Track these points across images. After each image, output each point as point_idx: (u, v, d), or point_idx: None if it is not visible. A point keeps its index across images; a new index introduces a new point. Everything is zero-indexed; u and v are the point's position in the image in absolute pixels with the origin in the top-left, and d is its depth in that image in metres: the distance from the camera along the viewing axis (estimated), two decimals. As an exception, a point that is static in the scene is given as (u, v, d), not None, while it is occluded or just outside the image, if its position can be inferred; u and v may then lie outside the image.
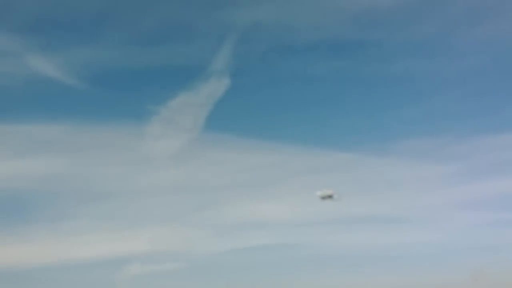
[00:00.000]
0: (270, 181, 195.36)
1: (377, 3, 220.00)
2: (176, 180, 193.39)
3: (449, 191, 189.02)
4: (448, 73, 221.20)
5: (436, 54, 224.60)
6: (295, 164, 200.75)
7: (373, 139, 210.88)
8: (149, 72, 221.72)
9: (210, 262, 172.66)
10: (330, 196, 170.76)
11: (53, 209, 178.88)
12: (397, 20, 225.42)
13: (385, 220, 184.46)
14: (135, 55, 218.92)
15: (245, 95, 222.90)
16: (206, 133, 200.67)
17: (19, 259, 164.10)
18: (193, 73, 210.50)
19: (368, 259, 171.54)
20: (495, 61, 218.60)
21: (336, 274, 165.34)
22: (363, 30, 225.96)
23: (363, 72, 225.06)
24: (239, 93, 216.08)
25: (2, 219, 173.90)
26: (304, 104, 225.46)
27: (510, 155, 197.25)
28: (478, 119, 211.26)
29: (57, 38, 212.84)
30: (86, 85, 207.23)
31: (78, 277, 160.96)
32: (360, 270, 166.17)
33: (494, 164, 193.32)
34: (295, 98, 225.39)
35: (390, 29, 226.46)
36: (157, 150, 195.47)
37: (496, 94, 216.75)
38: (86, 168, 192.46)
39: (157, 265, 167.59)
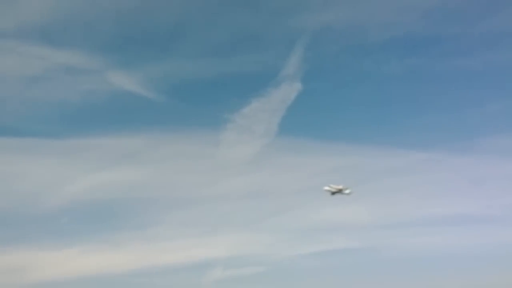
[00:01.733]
0: (347, 184, 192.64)
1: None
2: (253, 185, 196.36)
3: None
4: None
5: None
6: (372, 166, 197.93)
7: (453, 137, 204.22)
8: (222, 81, 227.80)
9: (289, 266, 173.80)
10: (340, 191, 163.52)
11: (139, 216, 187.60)
12: (472, 12, 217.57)
13: (469, 220, 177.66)
14: (209, 66, 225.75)
15: (318, 98, 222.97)
16: (280, 138, 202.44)
17: (109, 265, 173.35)
18: (265, 79, 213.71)
19: (452, 260, 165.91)
20: None
21: (419, 277, 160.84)
22: (436, 25, 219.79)
23: (440, 68, 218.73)
24: (311, 96, 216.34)
25: (91, 228, 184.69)
26: (379, 104, 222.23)
27: None
28: None
29: (135, 54, 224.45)
30: (164, 97, 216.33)
31: (163, 282, 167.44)
32: (443, 272, 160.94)
33: None
34: (369, 98, 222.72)
35: (465, 22, 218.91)
36: (233, 156, 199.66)
37: None
38: (167, 177, 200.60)
39: (238, 269, 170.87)
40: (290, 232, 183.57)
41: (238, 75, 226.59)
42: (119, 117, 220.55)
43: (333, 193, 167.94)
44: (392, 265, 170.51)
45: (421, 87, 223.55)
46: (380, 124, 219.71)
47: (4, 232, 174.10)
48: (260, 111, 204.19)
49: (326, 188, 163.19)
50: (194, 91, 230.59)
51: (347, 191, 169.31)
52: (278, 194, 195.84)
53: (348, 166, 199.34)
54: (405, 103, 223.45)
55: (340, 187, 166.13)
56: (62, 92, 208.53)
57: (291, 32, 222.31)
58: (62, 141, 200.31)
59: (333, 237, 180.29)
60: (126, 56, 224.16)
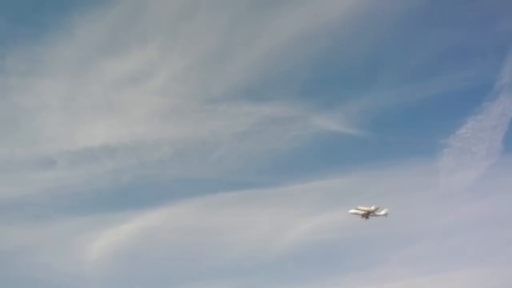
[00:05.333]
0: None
1: None
2: (482, 212, 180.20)
3: None
4: None
5: None
6: None
7: None
8: (429, 105, 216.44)
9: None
10: (370, 213, 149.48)
11: (363, 256, 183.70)
12: None
13: None
14: (411, 92, 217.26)
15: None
16: (507, 156, 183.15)
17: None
18: (478, 94, 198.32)
19: None
20: None
21: None
22: None
23: None
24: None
25: (317, 271, 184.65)
26: None
27: None
28: None
29: (333, 94, 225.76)
30: (368, 132, 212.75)
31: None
32: None
33: None
34: None
35: None
36: (454, 183, 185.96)
37: None
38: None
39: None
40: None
41: (446, 95, 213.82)
42: (327, 159, 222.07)
43: (365, 216, 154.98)
44: None
45: None
46: None
47: (239, 280, 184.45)
48: (479, 130, 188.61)
49: (352, 211, 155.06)
50: (399, 121, 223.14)
51: (382, 212, 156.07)
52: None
53: None
54: None
55: (372, 208, 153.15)
56: (271, 142, 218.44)
57: (499, 37, 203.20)
58: (277, 188, 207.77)
59: None
60: (325, 98, 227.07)
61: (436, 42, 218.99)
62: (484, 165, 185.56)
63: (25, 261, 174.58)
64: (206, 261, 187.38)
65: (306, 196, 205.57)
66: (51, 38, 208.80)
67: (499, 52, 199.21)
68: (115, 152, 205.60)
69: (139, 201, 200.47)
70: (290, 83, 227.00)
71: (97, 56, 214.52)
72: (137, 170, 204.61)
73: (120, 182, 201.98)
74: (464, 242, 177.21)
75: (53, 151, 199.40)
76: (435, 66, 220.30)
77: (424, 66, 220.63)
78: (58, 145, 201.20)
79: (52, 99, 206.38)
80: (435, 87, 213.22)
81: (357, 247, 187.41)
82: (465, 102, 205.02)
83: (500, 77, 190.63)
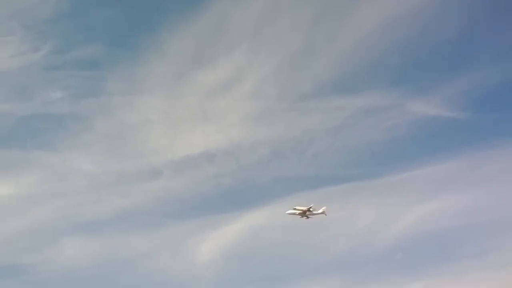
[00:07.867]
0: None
1: None
2: None
3: None
4: None
5: None
6: None
7: None
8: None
9: None
10: (306, 212, 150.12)
11: (473, 244, 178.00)
12: None
13: None
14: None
15: None
16: None
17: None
18: None
19: None
20: None
21: None
22: None
23: None
24: None
25: (426, 261, 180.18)
26: None
27: None
28: None
29: (428, 78, 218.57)
30: (470, 113, 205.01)
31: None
32: None
33: None
34: None
35: None
36: None
37: None
38: (498, 196, 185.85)
39: None
40: None
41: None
42: (428, 145, 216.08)
43: (304, 216, 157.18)
44: None
45: None
46: None
47: (347, 275, 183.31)
48: None
49: (289, 212, 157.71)
50: (503, 98, 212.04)
51: (320, 210, 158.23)
52: None
53: None
54: None
55: (309, 207, 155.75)
56: (367, 134, 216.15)
57: None
58: (378, 180, 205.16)
59: None
60: (419, 82, 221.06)
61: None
62: None
63: (143, 267, 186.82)
64: (312, 257, 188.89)
65: (409, 185, 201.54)
66: (146, 58, 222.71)
67: None
68: (214, 157, 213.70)
69: (241, 203, 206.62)
70: (380, 72, 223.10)
71: (189, 68, 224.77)
72: (237, 173, 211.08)
73: (221, 186, 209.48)
74: None
75: (158, 161, 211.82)
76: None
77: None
78: (162, 156, 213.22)
79: (153, 113, 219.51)
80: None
81: (468, 233, 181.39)
82: None
83: None
